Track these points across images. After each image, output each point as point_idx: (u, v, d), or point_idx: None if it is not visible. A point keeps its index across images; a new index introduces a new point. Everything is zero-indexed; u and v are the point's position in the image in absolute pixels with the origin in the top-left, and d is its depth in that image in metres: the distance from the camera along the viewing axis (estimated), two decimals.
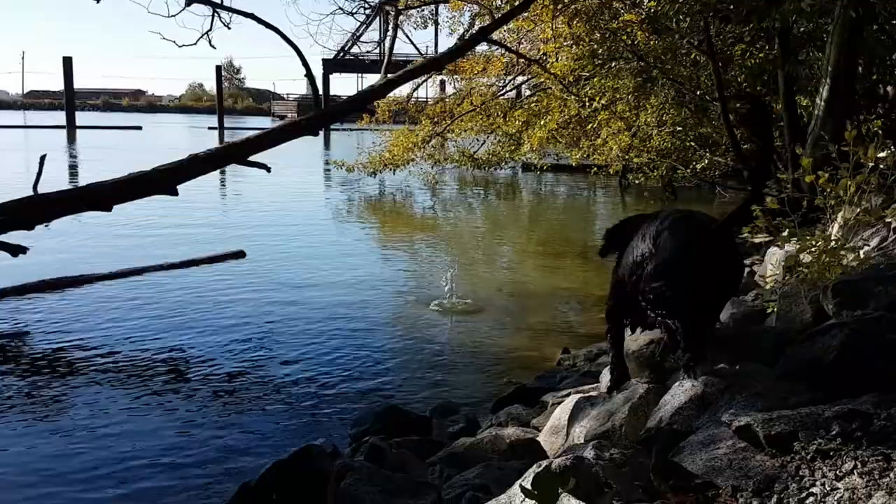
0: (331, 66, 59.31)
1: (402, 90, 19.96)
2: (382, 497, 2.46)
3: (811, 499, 1.81)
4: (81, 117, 52.91)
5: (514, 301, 8.62)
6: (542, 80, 16.43)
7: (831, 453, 1.97)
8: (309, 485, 3.47)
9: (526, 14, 14.43)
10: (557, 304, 8.44)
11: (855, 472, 1.87)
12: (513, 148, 19.20)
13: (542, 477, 1.35)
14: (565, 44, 14.82)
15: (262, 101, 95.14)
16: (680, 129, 14.01)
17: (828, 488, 1.84)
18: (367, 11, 30.63)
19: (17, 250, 7.98)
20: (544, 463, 1.88)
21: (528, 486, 1.42)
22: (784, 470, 1.95)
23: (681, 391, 2.96)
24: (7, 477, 4.51)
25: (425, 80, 21.94)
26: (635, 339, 4.36)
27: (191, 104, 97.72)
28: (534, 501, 1.47)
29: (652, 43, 13.05)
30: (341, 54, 55.36)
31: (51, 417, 5.42)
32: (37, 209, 8.02)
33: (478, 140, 20.03)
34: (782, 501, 1.83)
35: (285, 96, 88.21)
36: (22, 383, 6.10)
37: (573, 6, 13.89)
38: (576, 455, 1.96)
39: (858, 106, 10.50)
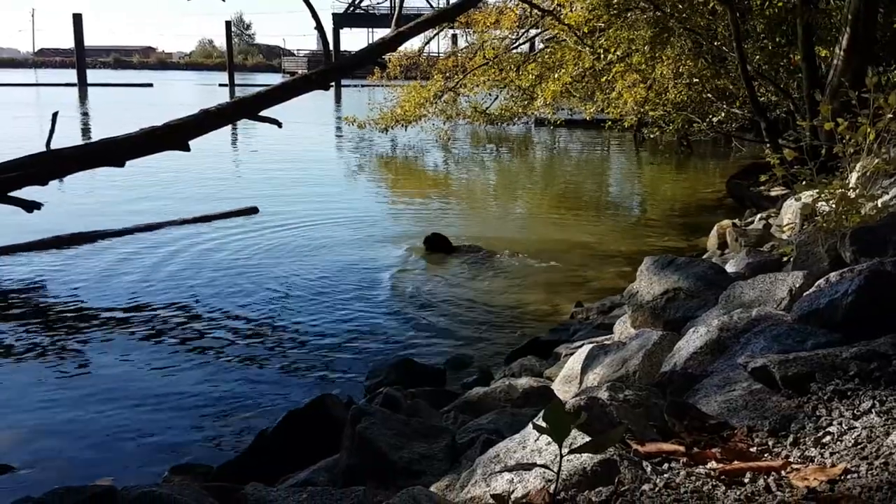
0: (341, 19, 58.73)
1: (414, 44, 19.76)
2: (397, 440, 2.48)
3: (828, 437, 1.80)
4: (92, 75, 52.75)
5: (527, 256, 8.60)
6: (555, 32, 16.12)
7: (849, 393, 1.96)
8: (324, 432, 3.51)
9: None
10: (571, 259, 8.41)
11: (873, 411, 1.86)
12: (526, 102, 18.93)
13: (554, 411, 1.34)
14: None
15: (272, 57, 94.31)
16: (696, 81, 13.76)
17: (845, 427, 1.83)
18: None
19: (31, 206, 8.03)
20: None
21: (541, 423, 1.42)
22: (801, 410, 1.94)
23: (696, 336, 2.95)
24: (27, 427, 4.59)
25: (437, 34, 21.64)
26: (649, 291, 4.35)
27: (201, 61, 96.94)
28: (546, 437, 1.47)
29: None
30: (352, 8, 54.79)
31: (70, 370, 5.50)
32: (50, 165, 8.05)
33: (490, 95, 19.77)
34: (798, 440, 1.82)
35: (296, 52, 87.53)
36: (40, 337, 6.17)
37: None
38: (590, 396, 1.96)
39: (878, 56, 10.28)
